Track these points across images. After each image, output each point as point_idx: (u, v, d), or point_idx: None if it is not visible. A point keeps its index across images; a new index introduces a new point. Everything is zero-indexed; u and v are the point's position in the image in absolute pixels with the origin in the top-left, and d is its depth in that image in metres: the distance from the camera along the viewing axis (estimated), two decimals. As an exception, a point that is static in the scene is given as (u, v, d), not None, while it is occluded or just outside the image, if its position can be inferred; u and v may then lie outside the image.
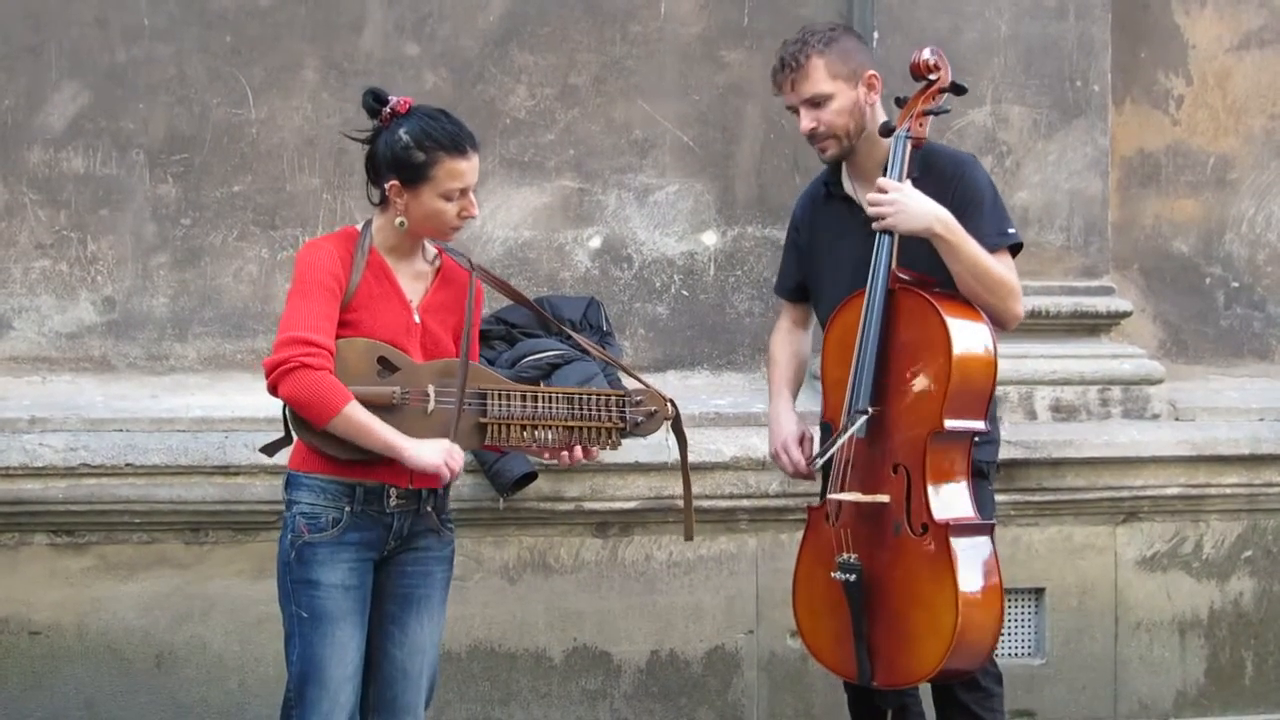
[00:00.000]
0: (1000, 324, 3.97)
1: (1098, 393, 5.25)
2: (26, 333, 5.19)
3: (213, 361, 5.22)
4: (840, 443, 3.87)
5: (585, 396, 3.67)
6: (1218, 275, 5.78)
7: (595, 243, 5.42)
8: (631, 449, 4.61)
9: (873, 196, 3.87)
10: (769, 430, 4.21)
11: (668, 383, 5.35)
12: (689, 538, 4.00)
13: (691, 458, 4.84)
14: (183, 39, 5.20)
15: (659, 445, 4.83)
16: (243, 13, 5.22)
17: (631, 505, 4.92)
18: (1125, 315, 5.38)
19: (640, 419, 3.68)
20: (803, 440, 4.14)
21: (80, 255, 5.19)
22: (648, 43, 5.39)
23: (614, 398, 3.68)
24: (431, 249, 3.81)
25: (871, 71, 4.03)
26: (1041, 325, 5.21)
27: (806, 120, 4.00)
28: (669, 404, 3.72)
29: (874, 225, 3.87)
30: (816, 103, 3.98)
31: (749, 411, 5.06)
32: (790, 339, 4.34)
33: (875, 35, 5.21)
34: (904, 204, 3.83)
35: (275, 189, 5.23)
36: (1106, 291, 5.34)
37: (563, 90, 5.37)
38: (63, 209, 5.18)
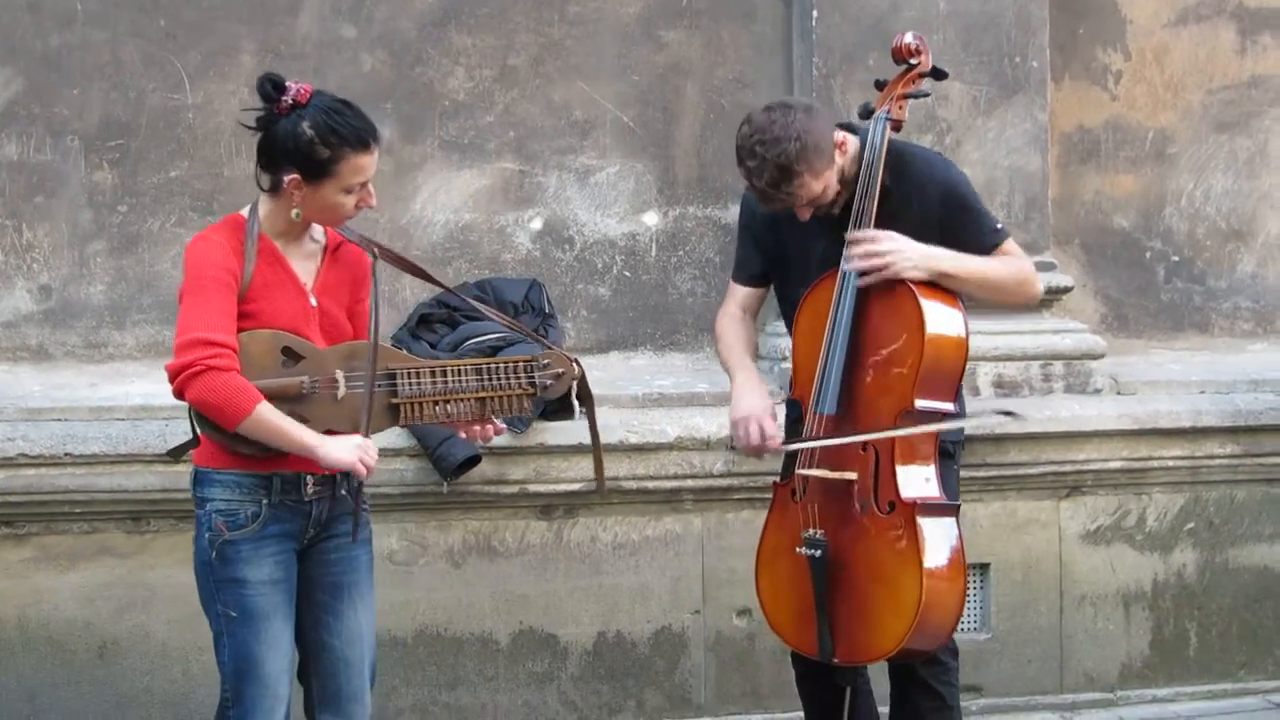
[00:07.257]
0: (1024, 307, 4.13)
1: (1040, 368, 5.26)
2: (-38, 323, 5.15)
3: (152, 349, 5.18)
4: (809, 446, 3.87)
5: (493, 366, 3.62)
6: (1158, 250, 5.82)
7: (536, 224, 5.40)
8: (575, 430, 4.60)
9: (864, 249, 3.82)
10: (734, 400, 4.10)
11: (610, 363, 5.36)
12: (600, 492, 4.03)
13: (634, 439, 4.92)
14: (117, 24, 5.16)
15: (602, 427, 4.80)
16: (177, -4, 5.18)
17: (576, 487, 4.90)
18: (1066, 290, 5.40)
19: (549, 382, 3.64)
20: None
21: (15, 243, 5.14)
22: (586, 23, 5.38)
23: (521, 364, 3.63)
24: (318, 226, 3.70)
25: (838, 139, 3.90)
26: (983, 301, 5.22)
27: (806, 212, 3.91)
28: (574, 363, 3.68)
29: (870, 278, 3.82)
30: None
31: (692, 391, 5.05)
32: (741, 324, 4.26)
33: (815, 14, 5.21)
34: (904, 251, 3.81)
35: (213, 174, 5.19)
36: (1048, 267, 5.34)
37: (501, 72, 5.35)
38: (-4, 197, 5.14)
